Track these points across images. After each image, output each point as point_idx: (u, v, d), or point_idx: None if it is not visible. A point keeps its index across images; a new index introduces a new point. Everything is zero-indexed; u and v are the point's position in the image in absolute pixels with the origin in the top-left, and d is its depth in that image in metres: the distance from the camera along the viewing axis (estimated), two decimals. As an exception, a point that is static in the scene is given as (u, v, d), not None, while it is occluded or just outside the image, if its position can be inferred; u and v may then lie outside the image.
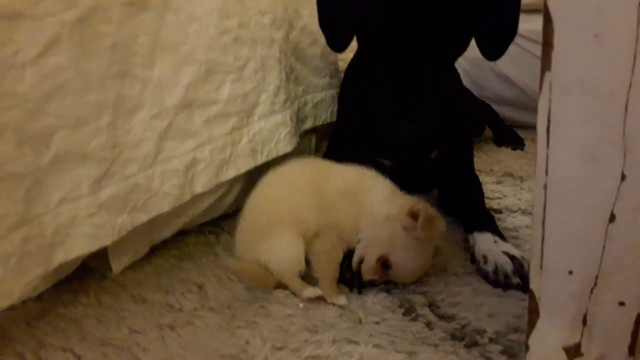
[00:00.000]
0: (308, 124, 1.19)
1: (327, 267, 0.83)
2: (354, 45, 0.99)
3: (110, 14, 0.73)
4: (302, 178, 0.90)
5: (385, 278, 0.82)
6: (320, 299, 0.80)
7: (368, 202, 0.86)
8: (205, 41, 0.87)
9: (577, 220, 0.51)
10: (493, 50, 0.94)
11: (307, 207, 0.85)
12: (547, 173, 0.51)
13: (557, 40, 0.46)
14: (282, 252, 0.82)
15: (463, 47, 0.93)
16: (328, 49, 1.22)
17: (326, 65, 1.26)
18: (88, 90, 0.70)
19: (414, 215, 0.79)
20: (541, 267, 0.55)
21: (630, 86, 0.45)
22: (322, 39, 1.16)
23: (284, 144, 1.03)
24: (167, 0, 0.81)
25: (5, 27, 0.62)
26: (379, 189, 0.88)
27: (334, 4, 0.97)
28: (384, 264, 0.80)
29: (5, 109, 0.62)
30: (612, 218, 0.49)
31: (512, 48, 1.84)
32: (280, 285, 0.84)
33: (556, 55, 0.47)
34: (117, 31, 0.74)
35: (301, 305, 0.79)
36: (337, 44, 0.99)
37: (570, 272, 0.53)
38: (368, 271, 0.81)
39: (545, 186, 0.52)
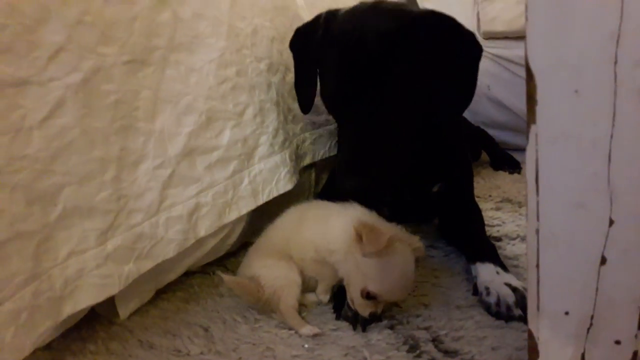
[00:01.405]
0: (307, 160, 1.21)
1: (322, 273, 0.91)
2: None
3: (112, 73, 0.76)
4: (297, 212, 0.99)
5: (383, 306, 0.84)
6: (319, 335, 0.82)
7: (330, 224, 0.89)
8: (205, 91, 0.90)
9: (570, 264, 0.53)
10: (450, 112, 1.00)
11: (291, 235, 0.95)
12: (538, 219, 0.53)
13: (540, 95, 0.49)
14: (276, 269, 0.89)
15: (419, 112, 0.96)
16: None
17: (323, 103, 1.29)
18: (93, 147, 0.73)
19: (360, 237, 0.81)
20: (538, 309, 0.56)
21: (611, 137, 0.47)
22: (317, 79, 1.19)
23: (284, 182, 1.05)
24: (166, 55, 0.84)
25: (13, 94, 0.64)
26: (340, 213, 0.90)
27: (299, 73, 1.09)
28: (367, 295, 0.81)
29: (15, 171, 0.64)
30: (604, 261, 0.51)
31: (504, 73, 1.89)
32: (284, 326, 0.85)
33: (540, 109, 0.49)
34: (119, 88, 0.76)
35: (306, 345, 0.80)
36: (302, 107, 1.11)
37: (567, 313, 0.54)
38: (361, 308, 0.82)
39: (537, 231, 0.53)
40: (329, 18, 1.01)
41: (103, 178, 0.74)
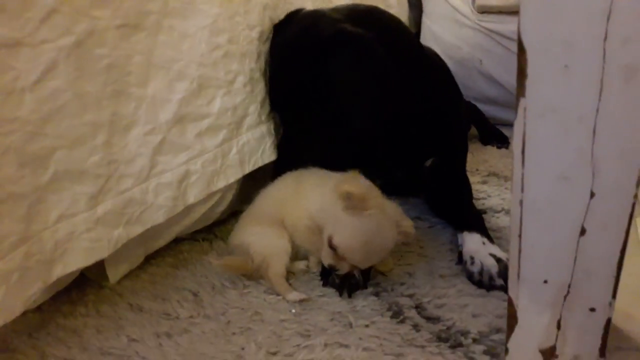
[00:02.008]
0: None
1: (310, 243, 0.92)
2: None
3: (105, 37, 0.75)
4: (292, 179, 0.99)
5: (342, 262, 0.84)
6: (306, 301, 0.84)
7: (326, 190, 0.89)
8: (196, 57, 0.89)
9: (550, 234, 0.55)
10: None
11: (285, 202, 0.96)
12: (522, 190, 0.55)
13: (530, 69, 0.50)
14: (265, 237, 0.91)
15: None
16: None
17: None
18: (85, 111, 0.73)
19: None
20: (518, 277, 0.58)
21: (597, 112, 0.49)
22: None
23: (269, 153, 1.06)
24: (160, 21, 0.83)
25: (5, 55, 0.64)
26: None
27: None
28: (330, 244, 0.82)
29: (7, 133, 0.64)
30: (583, 232, 0.53)
31: (497, 48, 1.89)
32: (272, 292, 0.88)
33: (530, 83, 0.50)
34: (112, 53, 0.76)
35: (293, 310, 0.83)
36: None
37: (545, 282, 0.57)
38: (325, 256, 0.84)
39: (521, 202, 0.55)
40: (288, 19, 1.08)
41: (94, 142, 0.74)
